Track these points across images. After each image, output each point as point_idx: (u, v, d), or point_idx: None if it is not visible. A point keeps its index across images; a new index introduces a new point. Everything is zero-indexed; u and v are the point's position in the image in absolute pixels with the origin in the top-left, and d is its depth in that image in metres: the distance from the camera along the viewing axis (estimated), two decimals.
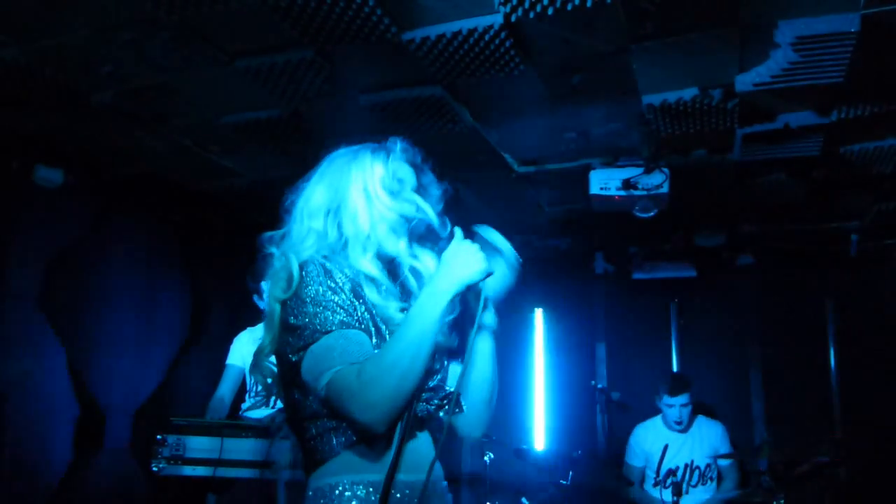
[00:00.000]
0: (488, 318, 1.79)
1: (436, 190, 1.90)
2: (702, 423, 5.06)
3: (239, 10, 3.00)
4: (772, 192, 5.12)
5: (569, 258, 6.88)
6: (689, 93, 3.70)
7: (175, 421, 3.64)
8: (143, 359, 5.09)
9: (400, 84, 3.68)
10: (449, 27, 3.14)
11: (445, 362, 1.78)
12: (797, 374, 6.02)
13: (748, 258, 6.42)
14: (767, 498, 4.34)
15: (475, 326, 1.70)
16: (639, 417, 5.30)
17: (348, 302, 1.61)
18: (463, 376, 1.70)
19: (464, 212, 1.71)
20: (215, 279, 5.68)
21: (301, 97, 3.79)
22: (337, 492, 1.56)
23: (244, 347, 4.28)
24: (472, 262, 1.63)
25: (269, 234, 1.79)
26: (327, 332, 1.55)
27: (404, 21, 3.11)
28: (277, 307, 1.64)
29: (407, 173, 1.84)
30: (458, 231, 1.71)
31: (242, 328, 4.47)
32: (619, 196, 4.54)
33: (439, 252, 1.72)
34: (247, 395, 4.27)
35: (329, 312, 1.57)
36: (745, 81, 3.55)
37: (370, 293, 1.68)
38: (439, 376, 1.74)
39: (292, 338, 1.59)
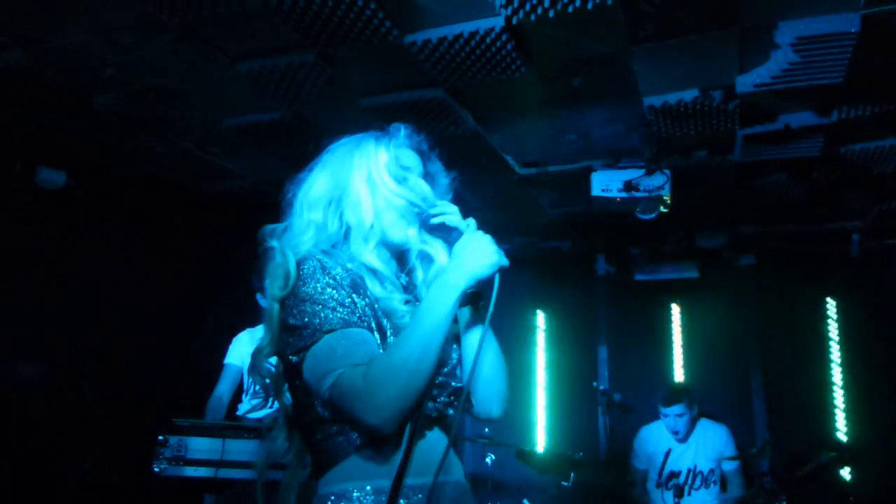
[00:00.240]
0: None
1: (444, 178, 1.83)
2: (705, 426, 5.01)
3: (240, 13, 3.01)
4: (773, 193, 5.12)
5: (570, 260, 6.88)
6: (689, 94, 3.71)
7: (177, 422, 3.64)
8: (143, 358, 5.09)
9: (401, 87, 3.69)
10: (450, 30, 3.15)
11: (454, 356, 1.68)
12: (799, 375, 6.01)
13: (749, 259, 6.42)
14: (769, 500, 4.33)
15: (486, 320, 1.58)
16: (640, 419, 5.29)
17: (348, 298, 1.53)
18: (473, 371, 1.60)
19: (466, 213, 1.66)
20: (216, 280, 5.68)
21: (302, 100, 3.80)
22: (344, 500, 1.48)
23: (243, 347, 4.29)
24: (485, 254, 1.55)
25: (270, 227, 1.71)
26: (328, 332, 1.48)
27: (406, 24, 3.12)
28: (276, 306, 1.57)
29: (413, 160, 1.77)
30: (471, 222, 1.62)
31: (242, 329, 4.48)
32: (621, 197, 4.54)
33: (451, 245, 1.62)
34: (244, 396, 4.28)
35: (328, 311, 1.50)
36: (745, 82, 3.56)
37: (372, 286, 1.61)
38: (447, 369, 1.63)
39: (292, 338, 1.53)
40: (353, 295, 1.56)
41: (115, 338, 4.90)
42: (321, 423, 1.54)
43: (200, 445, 3.58)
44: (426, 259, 1.74)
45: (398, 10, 3.01)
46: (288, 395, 1.65)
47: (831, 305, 6.17)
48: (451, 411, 1.60)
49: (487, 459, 5.24)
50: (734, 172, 4.75)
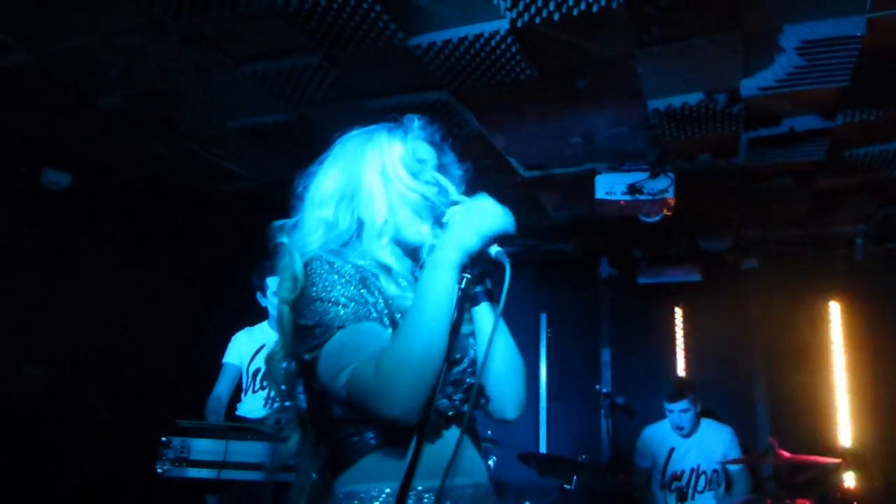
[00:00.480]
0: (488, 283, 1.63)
1: (457, 170, 1.77)
2: (709, 427, 5.03)
3: (246, 15, 3.01)
4: (777, 197, 5.11)
5: (574, 263, 6.88)
6: (694, 97, 3.71)
7: (180, 423, 3.64)
8: (146, 358, 5.09)
9: (406, 89, 3.70)
10: (455, 32, 3.15)
11: (471, 353, 1.61)
12: (802, 379, 5.99)
13: (753, 262, 6.41)
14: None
15: (498, 309, 1.50)
16: (643, 422, 5.29)
17: (358, 294, 1.48)
18: (484, 363, 1.53)
19: None
20: (218, 280, 5.69)
21: (307, 102, 3.80)
22: (356, 501, 1.45)
23: (242, 347, 4.29)
24: (481, 221, 1.47)
25: (279, 222, 1.66)
26: (339, 328, 1.44)
27: (410, 26, 3.12)
28: (286, 309, 1.54)
29: (427, 152, 1.72)
30: (483, 196, 1.55)
31: (242, 329, 4.48)
32: (625, 200, 4.54)
33: None
34: (242, 395, 4.28)
35: (339, 307, 1.46)
36: (750, 86, 3.55)
37: (386, 284, 1.56)
38: (463, 366, 1.57)
39: (305, 338, 1.49)
40: (363, 290, 1.51)
41: (118, 338, 4.91)
42: (337, 423, 1.50)
43: (203, 447, 3.58)
44: None
45: (403, 13, 3.02)
46: (302, 397, 1.61)
47: (835, 309, 6.16)
48: (467, 409, 1.54)
49: (490, 462, 5.23)
50: (738, 176, 4.75)
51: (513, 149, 4.49)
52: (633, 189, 4.49)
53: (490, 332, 1.54)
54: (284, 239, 1.62)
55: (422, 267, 1.57)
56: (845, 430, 5.88)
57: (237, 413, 4.20)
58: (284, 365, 1.62)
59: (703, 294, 6.45)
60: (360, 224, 1.64)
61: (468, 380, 1.57)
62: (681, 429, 4.91)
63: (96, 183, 4.76)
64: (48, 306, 4.52)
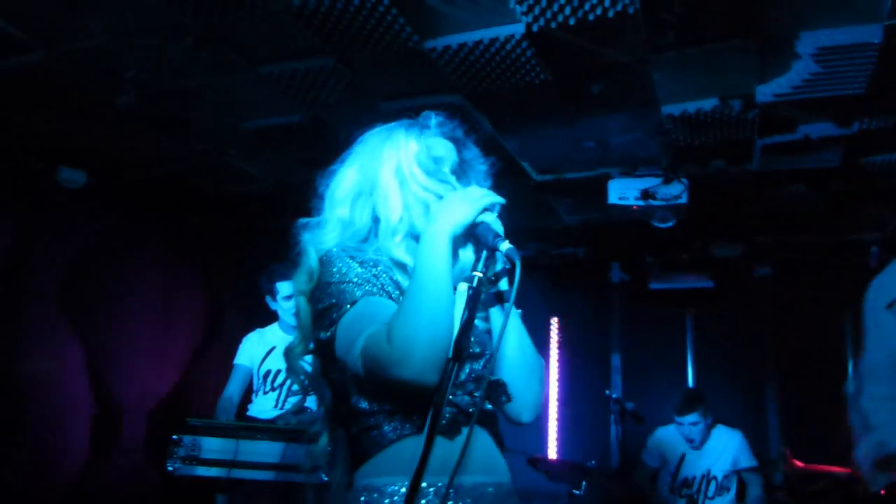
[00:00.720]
0: (502, 285, 1.61)
1: (481, 165, 1.76)
2: (721, 433, 4.98)
3: (262, 16, 3.03)
4: (790, 203, 5.09)
5: (585, 267, 6.86)
6: (709, 103, 3.70)
7: (191, 422, 3.66)
8: (159, 358, 5.13)
9: (420, 92, 3.71)
10: (470, 36, 3.16)
11: (487, 350, 1.60)
12: (814, 387, 5.95)
13: (766, 269, 6.37)
14: None
15: (510, 300, 1.46)
16: (653, 428, 5.26)
17: (372, 276, 1.51)
18: (494, 356, 1.52)
19: None
20: (231, 281, 5.72)
21: (322, 103, 3.81)
22: (376, 494, 1.44)
23: (253, 348, 4.30)
24: (467, 194, 1.50)
25: (303, 220, 1.67)
26: (353, 303, 1.47)
27: (426, 30, 3.13)
28: (302, 300, 1.57)
29: (446, 149, 1.71)
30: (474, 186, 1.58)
31: (254, 330, 4.50)
32: (638, 206, 4.53)
33: (480, 239, 1.51)
34: (253, 395, 4.30)
35: (353, 286, 1.49)
36: (765, 92, 3.54)
37: (401, 279, 1.57)
38: (482, 362, 1.57)
39: (323, 320, 1.51)
40: (379, 277, 1.53)
41: (131, 337, 4.95)
42: (356, 415, 1.51)
43: (214, 445, 3.59)
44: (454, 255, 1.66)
45: (418, 16, 3.02)
46: (328, 393, 1.62)
47: (847, 317, 6.11)
48: (488, 406, 1.55)
49: None
50: (752, 182, 4.73)
51: (526, 153, 4.49)
52: (646, 194, 4.48)
53: (505, 331, 1.52)
54: (306, 236, 1.63)
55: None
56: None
57: (248, 414, 4.21)
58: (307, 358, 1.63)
59: (715, 300, 6.42)
60: (377, 222, 1.65)
61: (490, 378, 1.56)
62: (691, 441, 4.85)
63: (111, 181, 4.80)
64: (64, 304, 4.56)
